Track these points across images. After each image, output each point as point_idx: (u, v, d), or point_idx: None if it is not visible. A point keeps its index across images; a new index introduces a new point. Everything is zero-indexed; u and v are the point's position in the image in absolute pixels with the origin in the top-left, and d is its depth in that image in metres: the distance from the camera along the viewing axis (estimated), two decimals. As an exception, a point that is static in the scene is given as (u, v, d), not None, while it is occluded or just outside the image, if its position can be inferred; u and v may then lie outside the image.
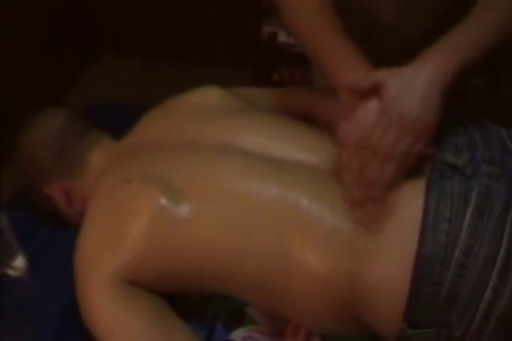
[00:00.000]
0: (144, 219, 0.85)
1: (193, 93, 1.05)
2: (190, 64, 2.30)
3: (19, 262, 1.01)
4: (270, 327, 0.93)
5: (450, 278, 0.75)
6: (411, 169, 0.82)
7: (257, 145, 0.92)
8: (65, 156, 1.02)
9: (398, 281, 0.76)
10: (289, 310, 0.87)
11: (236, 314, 0.95)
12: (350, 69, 0.86)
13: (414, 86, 0.80)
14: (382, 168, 0.80)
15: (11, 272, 1.00)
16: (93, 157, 1.02)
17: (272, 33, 1.94)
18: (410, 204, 0.79)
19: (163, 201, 0.85)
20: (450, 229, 0.76)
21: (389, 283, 0.78)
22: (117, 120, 1.10)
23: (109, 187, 0.92)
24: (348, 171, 0.83)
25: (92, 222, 0.90)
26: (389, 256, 0.78)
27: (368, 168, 0.81)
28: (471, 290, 0.74)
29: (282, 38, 1.92)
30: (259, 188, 0.86)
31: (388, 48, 0.97)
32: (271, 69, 2.07)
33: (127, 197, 0.88)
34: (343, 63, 0.87)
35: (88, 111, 1.33)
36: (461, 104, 0.86)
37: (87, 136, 1.05)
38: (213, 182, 0.87)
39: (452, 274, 0.74)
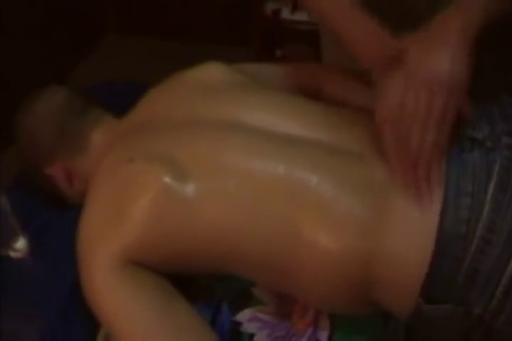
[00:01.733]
0: (148, 198, 0.83)
1: (196, 69, 1.03)
2: (193, 42, 2.27)
3: (21, 244, 0.99)
4: (277, 308, 0.92)
5: (472, 254, 0.73)
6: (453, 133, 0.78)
7: (263, 121, 0.89)
8: (65, 135, 1.00)
9: (418, 256, 0.75)
10: (299, 290, 0.85)
11: (242, 294, 0.93)
12: (376, 44, 0.83)
13: (437, 43, 0.77)
14: (424, 135, 0.77)
15: (13, 254, 0.98)
16: (94, 136, 1.00)
17: (276, 9, 1.91)
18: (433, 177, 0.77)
19: (167, 180, 0.83)
20: (473, 203, 0.74)
21: (408, 258, 0.76)
22: (120, 98, 1.08)
23: (111, 167, 0.90)
24: (392, 152, 0.79)
25: (94, 202, 0.89)
26: (409, 231, 0.76)
27: (410, 139, 0.77)
28: (493, 266, 0.73)
29: (286, 14, 1.90)
30: (267, 166, 0.84)
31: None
32: (274, 47, 2.04)
33: (131, 176, 0.86)
34: (369, 39, 0.84)
35: (91, 90, 1.31)
36: (476, 78, 0.84)
37: (88, 115, 1.03)
38: (219, 160, 0.85)
39: (475, 250, 0.73)
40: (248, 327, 0.90)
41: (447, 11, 0.80)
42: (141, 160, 0.86)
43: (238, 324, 0.91)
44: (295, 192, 0.81)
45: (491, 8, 0.80)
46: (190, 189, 0.82)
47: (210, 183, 0.84)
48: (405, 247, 0.76)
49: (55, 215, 1.03)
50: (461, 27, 0.78)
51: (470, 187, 0.75)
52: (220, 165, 0.85)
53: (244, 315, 0.91)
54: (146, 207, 0.83)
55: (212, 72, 1.02)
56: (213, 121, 0.90)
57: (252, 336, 0.89)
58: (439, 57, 0.77)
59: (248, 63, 1.14)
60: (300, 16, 1.86)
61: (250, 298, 0.93)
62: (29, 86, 1.03)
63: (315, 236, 0.79)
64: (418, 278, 0.75)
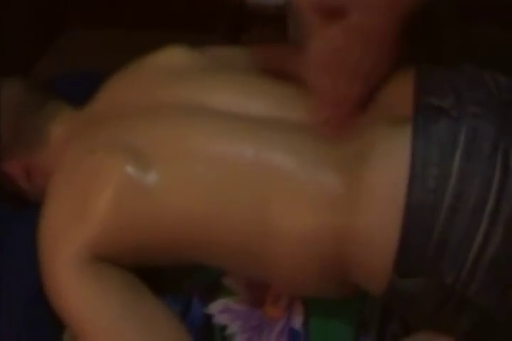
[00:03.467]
0: (111, 190, 0.80)
1: (157, 54, 1.00)
2: (157, 31, 2.23)
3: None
4: (249, 297, 0.89)
5: (441, 224, 0.71)
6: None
7: (229, 104, 0.87)
8: (22, 130, 0.97)
9: (388, 231, 0.73)
10: (272, 275, 0.83)
11: (213, 285, 0.90)
12: None
13: (379, 6, 0.76)
14: (350, 85, 0.81)
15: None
16: (53, 129, 0.97)
17: (241, -6, 1.88)
18: (397, 151, 0.76)
19: (130, 169, 0.80)
20: (439, 173, 0.72)
21: (378, 234, 0.74)
22: (79, 89, 1.04)
23: (72, 160, 0.87)
24: (315, 92, 0.83)
25: (55, 198, 0.85)
26: (377, 206, 0.75)
27: (336, 85, 0.81)
28: (462, 235, 0.71)
29: (251, -1, 1.86)
30: (234, 150, 0.81)
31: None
32: (240, 32, 2.01)
33: (92, 168, 0.83)
34: None
35: (52, 82, 1.28)
36: (441, 49, 0.83)
37: (46, 108, 0.99)
38: (183, 146, 0.82)
39: (443, 219, 0.71)
40: (220, 319, 0.87)
41: None
42: (101, 151, 0.83)
43: (209, 316, 0.88)
44: (262, 174, 0.79)
45: None
46: (153, 177, 0.80)
47: (174, 170, 0.81)
48: (377, 222, 0.74)
49: (16, 214, 1.00)
50: None
51: (436, 157, 0.73)
52: (184, 151, 0.82)
53: (215, 307, 0.88)
54: (109, 199, 0.80)
55: (174, 56, 0.99)
56: (177, 106, 0.87)
57: (224, 328, 0.87)
58: (379, 16, 0.77)
59: (211, 46, 1.11)
60: (266, 0, 1.83)
61: (221, 289, 0.90)
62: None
63: (286, 218, 0.77)
64: (390, 253, 0.73)
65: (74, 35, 2.38)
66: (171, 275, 0.92)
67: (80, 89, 1.05)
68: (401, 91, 0.83)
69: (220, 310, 0.88)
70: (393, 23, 0.78)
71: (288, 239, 0.77)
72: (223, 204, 0.79)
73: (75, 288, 0.79)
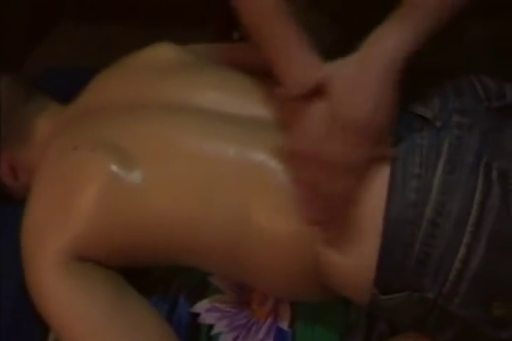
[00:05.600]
0: (95, 189, 0.79)
1: (145, 51, 0.98)
2: (149, 26, 2.22)
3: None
4: (236, 296, 0.88)
5: (421, 238, 0.69)
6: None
7: (213, 101, 0.85)
8: (7, 126, 0.94)
9: (367, 244, 0.71)
10: (255, 278, 0.82)
11: (200, 284, 0.89)
12: (294, 62, 0.77)
13: (363, 84, 0.71)
14: (334, 182, 0.72)
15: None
16: (38, 125, 0.95)
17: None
18: (377, 161, 0.73)
19: (114, 168, 0.78)
20: (420, 185, 0.70)
21: (357, 247, 0.72)
22: (72, 84, 1.02)
23: (55, 157, 0.85)
24: (300, 187, 0.74)
25: (38, 195, 0.84)
26: (359, 216, 0.73)
27: (320, 183, 0.72)
28: (444, 249, 0.69)
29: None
30: (217, 149, 0.80)
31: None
32: (231, 29, 2.00)
33: (75, 166, 0.81)
34: (286, 53, 0.78)
35: (40, 77, 1.26)
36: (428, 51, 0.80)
37: (32, 104, 0.97)
38: (167, 144, 0.81)
39: (424, 233, 0.69)
40: (206, 318, 0.86)
41: (379, 33, 0.74)
42: (85, 148, 0.82)
43: (196, 315, 0.87)
44: (244, 174, 0.77)
45: (427, 26, 0.74)
46: (137, 176, 0.78)
47: (158, 170, 0.79)
48: (357, 234, 0.72)
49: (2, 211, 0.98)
50: (391, 58, 0.72)
51: (417, 169, 0.71)
52: (168, 149, 0.80)
53: (202, 306, 0.87)
54: (93, 197, 0.79)
55: (161, 52, 0.97)
56: (162, 104, 0.86)
57: (211, 327, 0.86)
58: (364, 102, 0.71)
59: (200, 44, 1.10)
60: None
61: (208, 288, 0.89)
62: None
63: (266, 219, 0.76)
64: (370, 269, 0.71)
65: (68, 29, 2.37)
66: (157, 274, 0.91)
67: (67, 85, 1.03)
68: None
69: (206, 309, 0.87)
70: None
71: (268, 239, 0.76)
72: (205, 204, 0.78)
73: (56, 287, 0.78)
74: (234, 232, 0.77)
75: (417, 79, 0.79)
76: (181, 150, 0.80)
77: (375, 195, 0.72)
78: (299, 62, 0.77)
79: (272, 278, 0.79)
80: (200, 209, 0.78)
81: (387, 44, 0.73)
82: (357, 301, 0.78)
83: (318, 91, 0.74)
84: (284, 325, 0.85)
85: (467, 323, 0.71)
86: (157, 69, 0.93)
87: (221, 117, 0.83)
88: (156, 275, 0.91)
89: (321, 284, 0.78)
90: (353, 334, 0.85)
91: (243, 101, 0.86)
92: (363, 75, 0.72)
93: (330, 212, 0.74)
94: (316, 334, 0.84)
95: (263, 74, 0.95)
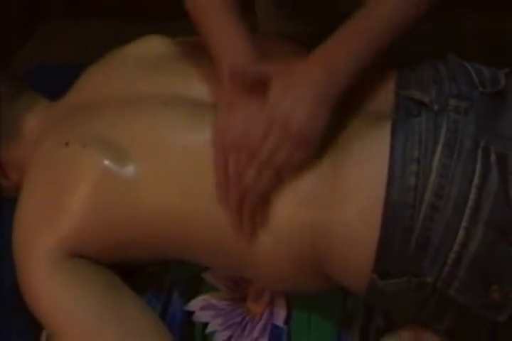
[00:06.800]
0: (88, 184, 0.78)
1: (136, 44, 0.97)
2: (143, 21, 2.20)
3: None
4: (231, 293, 0.87)
5: (421, 222, 0.70)
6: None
7: (204, 94, 0.85)
8: None
9: (366, 229, 0.71)
10: (251, 271, 0.81)
11: (194, 281, 0.89)
12: (238, 52, 0.78)
13: (302, 93, 0.73)
14: (258, 175, 0.73)
15: None
16: (28, 122, 0.93)
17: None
18: (376, 146, 0.74)
19: (106, 163, 0.78)
20: (419, 169, 0.71)
21: (356, 232, 0.72)
22: (61, 80, 1.01)
23: (47, 153, 0.84)
24: (221, 173, 0.75)
25: (29, 193, 0.83)
26: (355, 204, 0.73)
27: (244, 173, 0.74)
28: (443, 233, 0.69)
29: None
30: (204, 142, 0.78)
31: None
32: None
33: (67, 162, 0.81)
34: (229, 43, 0.79)
35: (29, 72, 1.24)
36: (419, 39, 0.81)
37: (21, 100, 0.95)
38: (158, 139, 0.80)
39: (423, 217, 0.70)
40: (201, 316, 0.85)
41: (325, 46, 0.76)
42: (76, 144, 0.81)
43: (190, 313, 0.86)
44: None
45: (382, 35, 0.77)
46: (129, 171, 0.78)
47: (150, 164, 0.79)
48: (355, 220, 0.72)
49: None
50: (333, 75, 0.74)
51: (416, 153, 0.72)
52: (160, 144, 0.80)
53: (196, 303, 0.86)
54: (84, 193, 0.78)
55: (152, 45, 0.96)
56: (153, 97, 0.85)
57: (205, 325, 0.85)
58: (295, 106, 0.73)
59: (192, 36, 1.08)
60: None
61: (202, 284, 0.88)
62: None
63: (262, 211, 0.75)
64: (369, 253, 0.71)
65: (56, 25, 2.35)
66: (151, 270, 0.90)
67: (56, 81, 1.02)
68: (382, 86, 0.81)
69: (201, 306, 0.86)
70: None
71: (265, 234, 0.75)
72: (199, 198, 0.77)
73: (48, 286, 0.77)
74: (229, 226, 0.76)
75: (411, 63, 0.81)
76: (171, 143, 0.80)
77: (375, 180, 0.72)
78: (245, 51, 0.78)
79: (269, 270, 0.79)
80: (192, 203, 0.77)
81: (336, 54, 0.76)
82: (355, 289, 0.78)
83: (256, 85, 0.75)
84: (280, 321, 0.84)
85: (465, 308, 0.71)
86: (146, 63, 0.92)
87: (212, 110, 0.81)
88: (149, 272, 0.90)
89: (319, 272, 0.78)
90: (350, 328, 0.84)
91: None
92: (304, 85, 0.74)
93: (247, 204, 0.74)
94: (312, 331, 0.83)
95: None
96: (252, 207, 0.74)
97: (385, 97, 0.79)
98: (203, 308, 0.86)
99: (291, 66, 0.76)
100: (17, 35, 2.18)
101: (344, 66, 0.75)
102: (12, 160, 0.94)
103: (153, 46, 0.96)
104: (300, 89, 0.73)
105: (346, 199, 0.73)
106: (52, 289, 0.77)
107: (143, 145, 0.79)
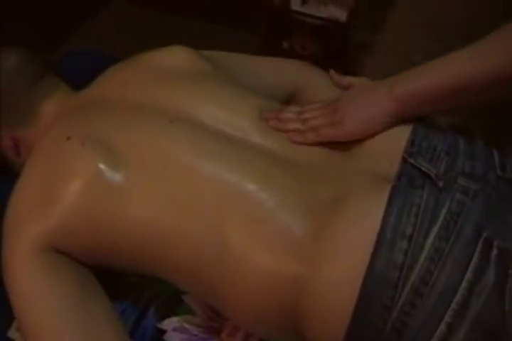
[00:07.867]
0: (80, 184, 0.77)
1: (160, 52, 0.95)
2: (199, 20, 2.20)
3: None
4: (207, 320, 0.84)
5: (401, 305, 0.65)
6: None
7: (214, 117, 0.83)
8: (15, 103, 0.93)
9: (345, 298, 0.66)
10: (226, 307, 0.78)
11: (173, 299, 0.86)
12: None
13: (364, 106, 0.80)
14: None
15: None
16: (46, 106, 0.93)
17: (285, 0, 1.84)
18: (370, 211, 0.69)
19: (101, 166, 0.77)
20: (409, 248, 0.66)
21: (335, 299, 0.68)
22: (92, 70, 1.00)
23: (50, 143, 0.84)
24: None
25: (26, 179, 0.83)
26: (339, 266, 0.68)
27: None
28: (423, 322, 0.64)
29: (295, 6, 1.82)
30: (205, 167, 0.77)
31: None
32: (281, 38, 1.97)
33: (64, 156, 0.80)
34: None
35: (64, 59, 1.24)
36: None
37: (43, 82, 0.95)
38: (156, 153, 0.78)
39: (404, 300, 0.65)
40: (172, 337, 0.82)
41: (399, 78, 0.80)
42: (76, 141, 0.80)
43: (162, 332, 0.83)
44: (231, 202, 0.74)
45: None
46: (121, 178, 0.77)
47: (143, 176, 0.77)
48: (335, 284, 0.68)
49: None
50: (394, 111, 0.79)
51: (410, 229, 0.66)
52: (156, 158, 0.78)
53: (170, 323, 0.84)
54: (76, 192, 0.77)
55: (175, 56, 0.94)
56: (161, 110, 0.84)
57: (174, 347, 0.82)
58: (357, 108, 0.81)
59: (218, 51, 1.05)
60: (309, 9, 1.79)
61: (180, 306, 0.85)
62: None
63: (244, 250, 0.71)
64: (343, 325, 0.67)
65: (118, 10, 2.36)
66: (132, 280, 0.88)
67: (87, 70, 1.01)
68: (392, 148, 0.77)
69: (173, 327, 0.83)
70: None
71: (243, 271, 0.72)
72: (183, 219, 0.75)
73: (23, 275, 0.76)
74: (208, 254, 0.74)
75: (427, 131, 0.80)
76: (169, 160, 0.78)
77: (362, 246, 0.67)
78: None
79: (243, 312, 0.75)
80: (176, 224, 0.75)
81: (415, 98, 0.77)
82: None
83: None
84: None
85: None
86: (167, 74, 0.90)
87: (217, 136, 0.81)
88: (132, 282, 0.88)
89: (294, 330, 0.74)
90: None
91: (244, 123, 0.84)
92: (368, 102, 0.80)
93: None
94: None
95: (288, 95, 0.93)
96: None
97: (392, 158, 0.75)
98: (175, 330, 0.83)
99: (366, 84, 0.87)
100: (76, 17, 2.19)
101: (417, 111, 0.79)
102: (25, 139, 0.94)
103: (178, 59, 0.93)
104: (363, 103, 0.80)
105: (331, 259, 0.69)
106: (25, 277, 0.76)
107: (141, 155, 0.78)
